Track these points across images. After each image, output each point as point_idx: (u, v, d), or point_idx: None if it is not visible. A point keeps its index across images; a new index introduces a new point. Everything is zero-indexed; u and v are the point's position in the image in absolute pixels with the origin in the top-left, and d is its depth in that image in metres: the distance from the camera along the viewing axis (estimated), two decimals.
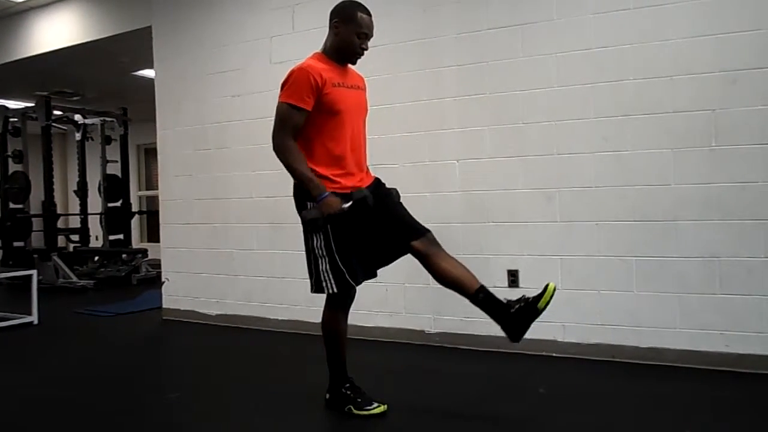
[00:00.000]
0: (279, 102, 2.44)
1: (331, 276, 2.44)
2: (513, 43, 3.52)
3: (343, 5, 2.53)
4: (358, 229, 2.46)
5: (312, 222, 2.38)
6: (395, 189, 2.72)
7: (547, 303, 2.34)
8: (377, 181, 2.65)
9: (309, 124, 2.44)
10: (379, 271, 2.58)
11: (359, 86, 2.63)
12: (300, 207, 2.47)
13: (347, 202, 2.40)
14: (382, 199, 2.56)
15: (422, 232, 2.51)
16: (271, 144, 2.46)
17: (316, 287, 2.49)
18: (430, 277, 3.31)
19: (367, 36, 2.50)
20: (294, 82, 2.41)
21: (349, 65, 2.61)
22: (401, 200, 2.69)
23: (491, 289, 2.43)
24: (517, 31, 3.51)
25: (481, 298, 2.42)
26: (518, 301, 2.39)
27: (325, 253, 2.43)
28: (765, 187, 2.98)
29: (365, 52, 2.53)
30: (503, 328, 2.41)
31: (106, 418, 2.72)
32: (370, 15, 2.51)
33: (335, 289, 2.45)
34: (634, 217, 3.25)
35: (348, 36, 2.48)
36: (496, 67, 3.57)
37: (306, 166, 2.41)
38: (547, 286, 2.34)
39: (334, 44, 2.53)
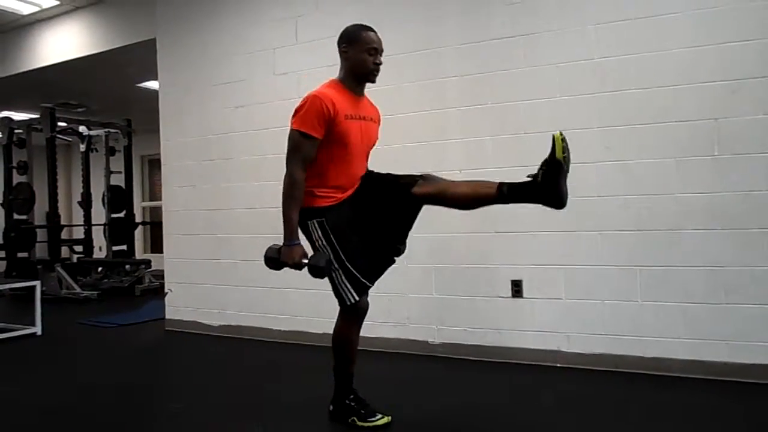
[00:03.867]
0: (291, 128, 2.44)
1: (348, 284, 2.44)
2: (515, 53, 3.53)
3: (346, 30, 2.55)
4: (360, 229, 2.46)
5: (268, 260, 2.49)
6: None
7: (564, 150, 2.17)
8: (367, 175, 2.60)
9: (318, 148, 2.43)
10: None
11: (372, 118, 2.61)
12: (302, 224, 2.47)
13: (313, 256, 2.42)
14: (372, 192, 2.52)
15: (415, 178, 2.47)
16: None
17: (339, 300, 2.50)
18: (434, 287, 3.28)
19: (377, 51, 2.49)
20: (307, 109, 2.40)
21: (366, 96, 2.60)
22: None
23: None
24: (519, 42, 3.52)
25: (507, 192, 2.31)
26: (539, 168, 2.25)
27: (337, 266, 2.43)
28: None
29: (380, 68, 2.51)
30: (544, 202, 2.27)
31: (107, 429, 2.71)
32: (375, 32, 2.52)
33: (355, 297, 2.45)
34: (638, 226, 3.24)
35: (358, 56, 2.48)
36: (499, 77, 3.58)
37: (297, 209, 2.41)
38: (553, 137, 2.20)
39: (347, 68, 2.53)
